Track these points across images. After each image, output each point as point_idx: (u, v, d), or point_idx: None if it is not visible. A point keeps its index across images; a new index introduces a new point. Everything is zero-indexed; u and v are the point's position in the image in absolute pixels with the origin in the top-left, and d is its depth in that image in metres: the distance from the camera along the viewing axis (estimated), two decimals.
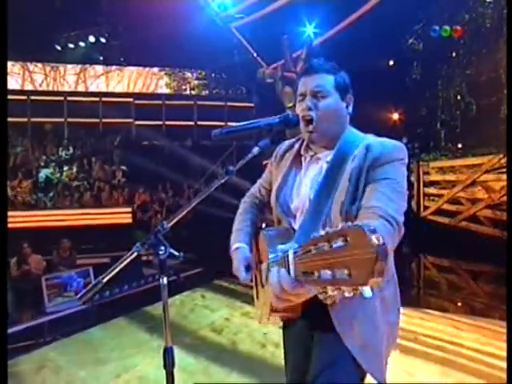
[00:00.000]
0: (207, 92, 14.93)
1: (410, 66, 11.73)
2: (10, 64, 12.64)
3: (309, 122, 1.32)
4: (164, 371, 1.13)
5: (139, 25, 11.03)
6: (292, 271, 0.90)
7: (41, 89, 13.86)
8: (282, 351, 1.52)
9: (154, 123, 13.59)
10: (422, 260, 7.35)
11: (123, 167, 11.12)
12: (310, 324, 1.36)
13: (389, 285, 1.33)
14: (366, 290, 0.74)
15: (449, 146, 10.98)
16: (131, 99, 14.06)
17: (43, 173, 10.42)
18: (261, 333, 3.86)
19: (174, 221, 1.17)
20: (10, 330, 4.04)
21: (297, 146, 1.45)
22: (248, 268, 1.38)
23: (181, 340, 3.77)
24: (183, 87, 14.91)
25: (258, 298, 1.48)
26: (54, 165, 10.88)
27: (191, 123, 14.02)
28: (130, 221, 8.81)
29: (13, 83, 13.24)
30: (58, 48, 13.43)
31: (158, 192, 10.30)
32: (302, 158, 1.41)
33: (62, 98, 13.54)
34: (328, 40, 10.32)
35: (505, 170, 6.86)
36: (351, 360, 1.24)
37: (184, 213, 1.19)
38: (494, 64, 9.69)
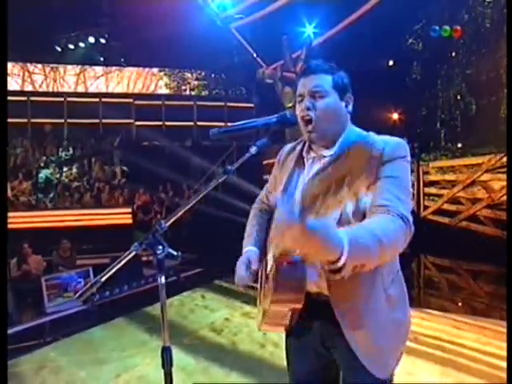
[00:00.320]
0: (207, 92, 14.94)
1: (409, 66, 11.74)
2: (9, 65, 12.66)
3: (308, 122, 1.32)
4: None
5: (139, 25, 11.03)
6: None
7: (41, 90, 13.89)
8: (284, 353, 1.51)
9: (153, 124, 13.61)
10: (422, 260, 7.33)
11: (123, 168, 11.13)
12: (319, 330, 1.36)
13: (394, 283, 1.34)
14: None
15: (449, 146, 10.99)
16: (131, 100, 14.08)
17: (43, 173, 10.42)
18: (260, 333, 3.85)
19: (172, 220, 1.17)
20: (10, 331, 4.05)
21: (299, 147, 1.46)
22: (248, 267, 1.39)
23: (180, 340, 3.77)
24: (183, 88, 14.92)
25: (260, 302, 1.48)
26: (54, 165, 10.89)
27: (191, 124, 14.03)
28: (129, 221, 8.81)
29: (13, 84, 13.26)
30: (58, 49, 13.46)
31: (158, 192, 10.29)
32: (305, 160, 1.41)
33: (61, 99, 13.57)
34: (328, 40, 10.33)
35: (505, 169, 6.85)
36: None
37: (182, 212, 1.19)
38: (493, 64, 9.70)
